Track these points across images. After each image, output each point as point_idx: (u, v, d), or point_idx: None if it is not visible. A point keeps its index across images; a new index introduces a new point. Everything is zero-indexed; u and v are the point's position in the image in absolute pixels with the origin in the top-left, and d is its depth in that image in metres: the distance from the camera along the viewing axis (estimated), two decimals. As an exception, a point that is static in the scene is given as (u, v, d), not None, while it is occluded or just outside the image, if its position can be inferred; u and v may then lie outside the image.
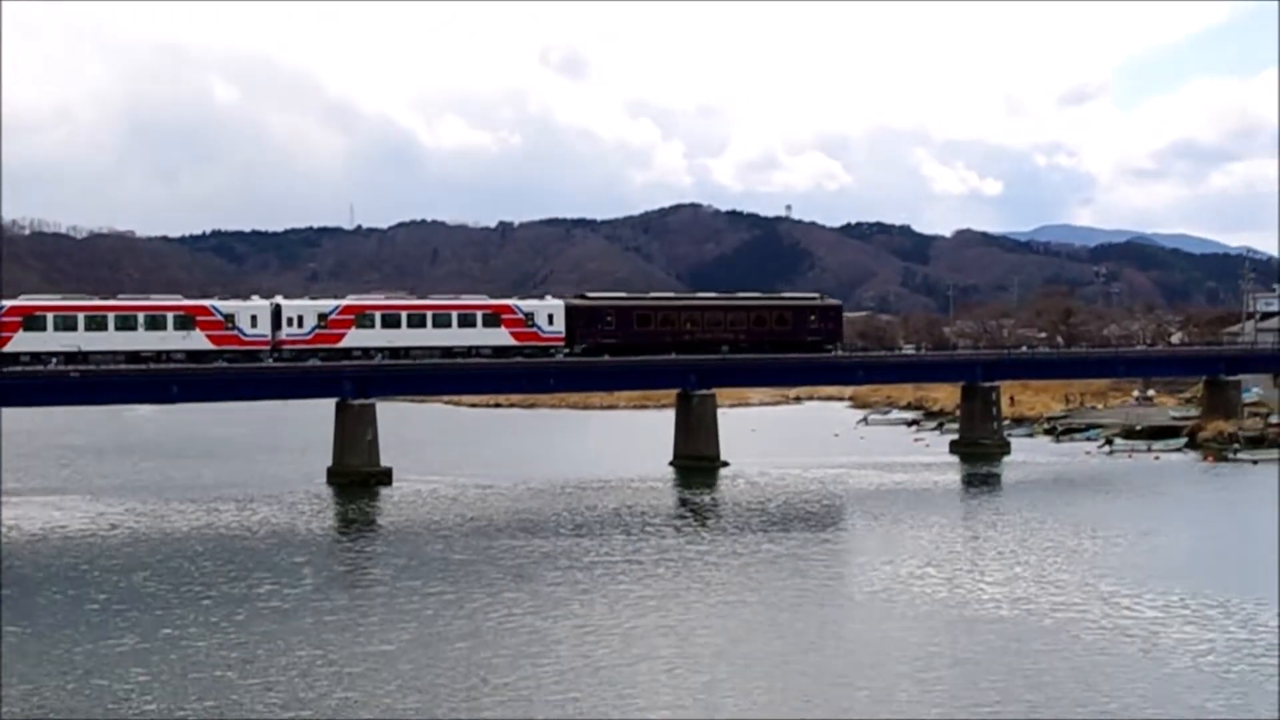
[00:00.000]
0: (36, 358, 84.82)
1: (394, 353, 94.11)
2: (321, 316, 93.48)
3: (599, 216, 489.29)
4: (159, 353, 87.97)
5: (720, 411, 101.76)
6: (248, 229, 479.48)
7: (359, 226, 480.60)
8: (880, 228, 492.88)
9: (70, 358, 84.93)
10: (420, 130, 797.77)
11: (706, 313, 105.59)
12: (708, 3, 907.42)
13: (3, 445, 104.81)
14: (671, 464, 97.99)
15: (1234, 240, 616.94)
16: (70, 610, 48.37)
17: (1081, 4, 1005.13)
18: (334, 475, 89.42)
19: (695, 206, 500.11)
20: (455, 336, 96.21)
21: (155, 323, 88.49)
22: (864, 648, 42.22)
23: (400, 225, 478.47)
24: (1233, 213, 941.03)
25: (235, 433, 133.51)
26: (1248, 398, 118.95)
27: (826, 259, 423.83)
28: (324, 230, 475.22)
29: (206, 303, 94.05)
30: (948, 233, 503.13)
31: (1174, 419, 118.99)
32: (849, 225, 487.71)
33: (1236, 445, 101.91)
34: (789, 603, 49.18)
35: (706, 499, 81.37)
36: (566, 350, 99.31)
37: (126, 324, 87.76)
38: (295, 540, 65.75)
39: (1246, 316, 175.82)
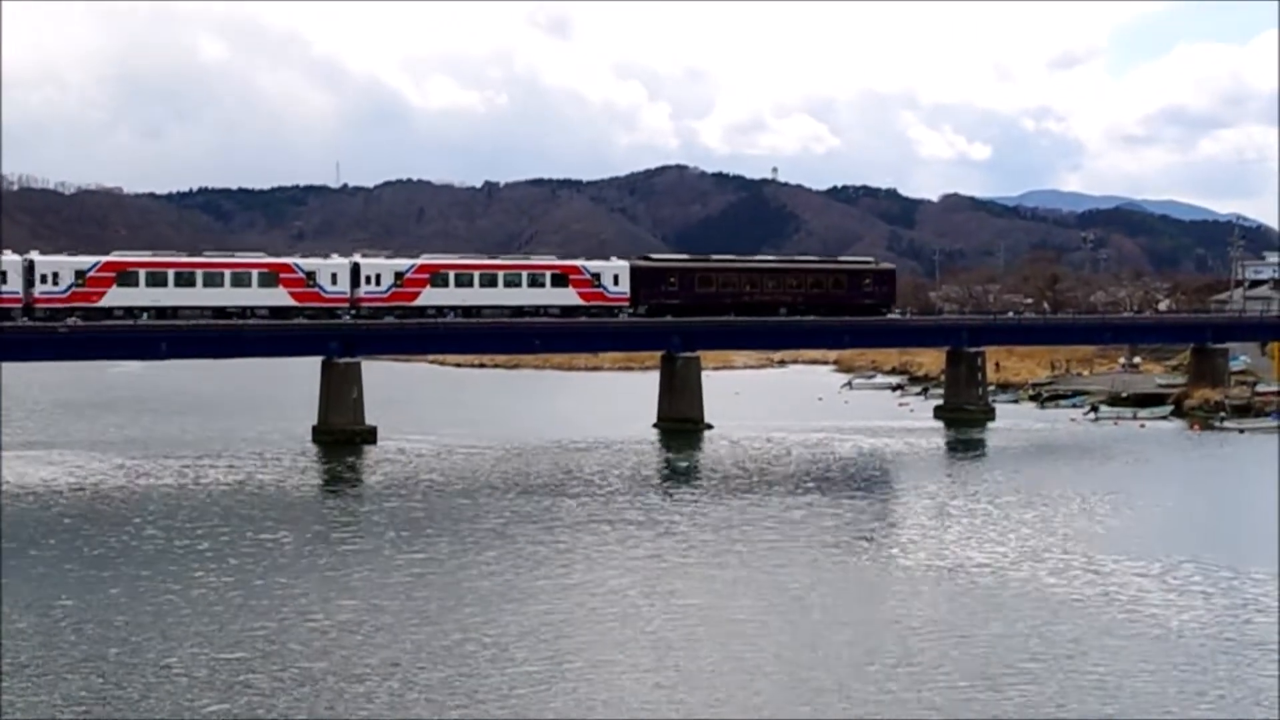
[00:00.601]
0: (129, 312, 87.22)
1: (466, 311, 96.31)
2: (398, 275, 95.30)
3: (585, 177, 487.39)
4: (244, 308, 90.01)
5: (704, 374, 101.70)
6: (234, 186, 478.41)
7: (345, 185, 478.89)
8: (867, 191, 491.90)
9: (161, 313, 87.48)
10: (407, 89, 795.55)
11: (766, 275, 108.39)
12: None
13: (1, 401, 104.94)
14: (655, 426, 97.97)
15: (1223, 207, 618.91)
16: (56, 563, 48.32)
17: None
18: (319, 433, 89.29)
19: (681, 168, 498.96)
20: (525, 296, 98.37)
21: (240, 279, 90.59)
22: (844, 608, 42.22)
23: (386, 184, 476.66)
24: (1223, 180, 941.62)
25: (222, 390, 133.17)
26: (1235, 366, 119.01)
27: (813, 222, 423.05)
28: (310, 189, 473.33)
29: (289, 260, 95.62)
30: (934, 197, 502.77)
31: (1160, 387, 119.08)
32: (835, 188, 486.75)
33: (1223, 414, 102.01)
34: (770, 564, 49.18)
35: (689, 461, 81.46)
36: (630, 310, 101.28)
37: (213, 281, 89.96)
38: (279, 498, 65.79)
39: (1235, 284, 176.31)
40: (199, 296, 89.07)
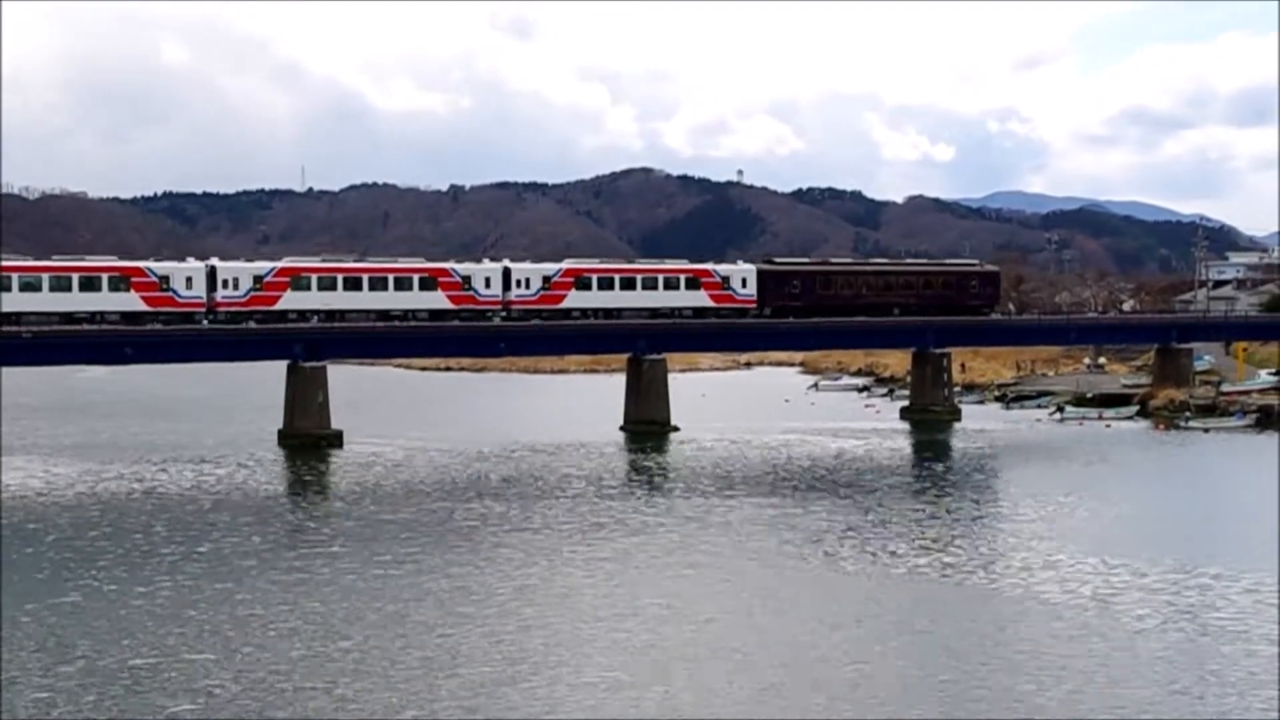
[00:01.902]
0: (301, 315, 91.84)
1: (607, 313, 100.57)
2: (545, 279, 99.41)
3: (550, 180, 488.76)
4: (405, 311, 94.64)
5: (671, 376, 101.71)
6: (199, 191, 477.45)
7: (310, 189, 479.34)
8: (832, 193, 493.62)
9: (329, 316, 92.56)
10: (370, 92, 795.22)
11: (881, 277, 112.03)
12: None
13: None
14: (622, 428, 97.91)
15: (1187, 208, 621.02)
16: (17, 568, 47.94)
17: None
18: (285, 437, 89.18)
19: (647, 171, 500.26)
20: (661, 299, 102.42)
21: (402, 284, 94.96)
22: (808, 609, 42.11)
23: (351, 188, 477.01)
24: (1186, 180, 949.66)
25: (187, 394, 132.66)
26: (1199, 366, 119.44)
27: (778, 224, 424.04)
28: (275, 192, 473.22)
29: (447, 265, 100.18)
30: (899, 198, 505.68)
31: (1125, 387, 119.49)
32: (800, 190, 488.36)
33: (1188, 413, 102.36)
34: (735, 566, 49.15)
35: (656, 463, 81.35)
36: (756, 311, 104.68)
37: (377, 285, 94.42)
38: (244, 502, 65.49)
39: (1199, 284, 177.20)
40: (365, 300, 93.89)
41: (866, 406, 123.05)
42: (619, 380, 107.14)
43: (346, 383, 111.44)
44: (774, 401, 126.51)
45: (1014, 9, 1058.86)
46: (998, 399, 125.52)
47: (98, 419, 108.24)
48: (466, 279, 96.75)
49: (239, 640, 38.33)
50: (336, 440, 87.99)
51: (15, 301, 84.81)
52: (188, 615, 41.29)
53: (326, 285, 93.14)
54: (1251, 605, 42.39)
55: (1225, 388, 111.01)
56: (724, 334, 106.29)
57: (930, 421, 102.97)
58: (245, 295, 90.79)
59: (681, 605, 42.73)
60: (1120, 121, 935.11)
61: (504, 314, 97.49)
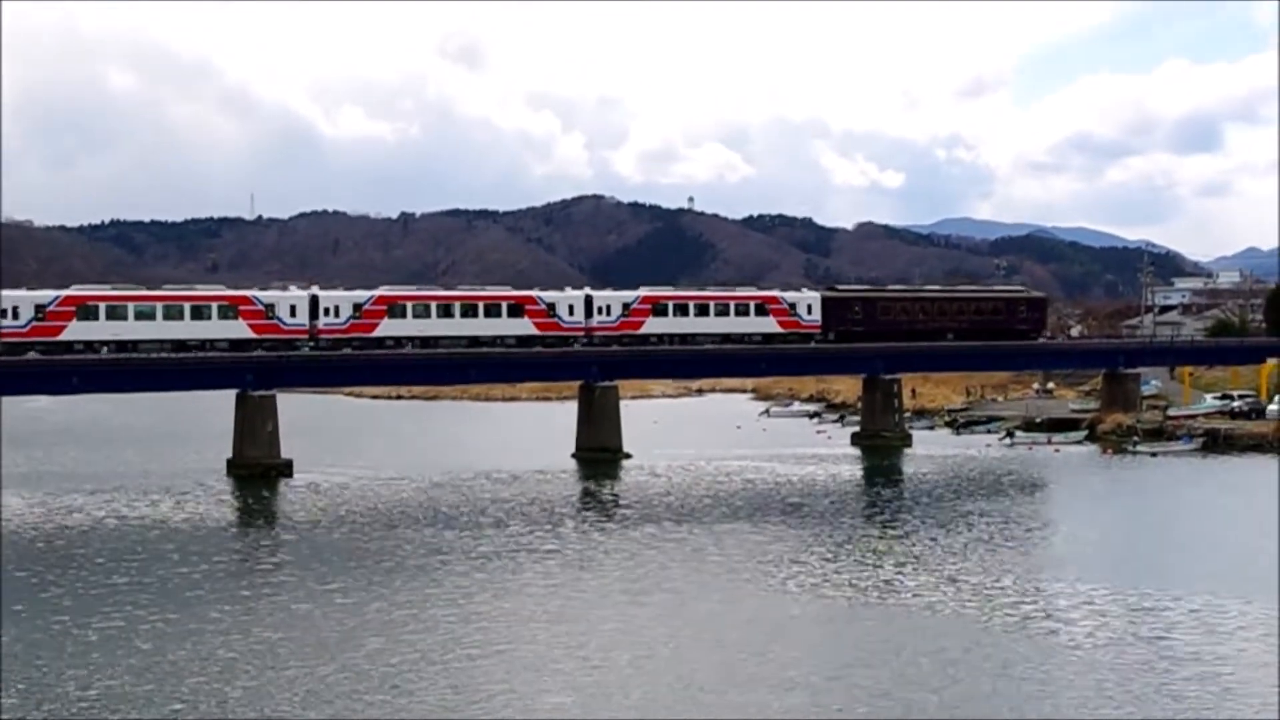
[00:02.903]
0: (398, 342, 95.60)
1: (683, 339, 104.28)
2: (625, 306, 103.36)
3: (501, 208, 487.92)
4: (495, 337, 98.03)
5: (622, 403, 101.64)
6: (147, 219, 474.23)
7: (259, 217, 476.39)
8: (782, 220, 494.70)
9: (425, 342, 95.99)
10: (319, 119, 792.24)
11: (936, 304, 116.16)
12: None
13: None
14: (574, 455, 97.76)
15: (1132, 234, 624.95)
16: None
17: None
18: (234, 467, 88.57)
19: (597, 198, 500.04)
20: (733, 324, 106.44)
21: (491, 311, 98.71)
22: (758, 636, 42.09)
23: (301, 215, 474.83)
24: (1130, 207, 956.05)
25: (137, 423, 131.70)
26: (1146, 390, 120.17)
27: (729, 251, 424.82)
28: (224, 220, 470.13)
29: (533, 293, 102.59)
30: (849, 225, 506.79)
31: (1074, 411, 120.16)
32: (751, 217, 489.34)
33: (1135, 438, 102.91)
34: (685, 594, 49.10)
35: (608, 491, 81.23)
36: (821, 336, 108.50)
37: (469, 312, 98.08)
38: (192, 532, 65.01)
39: (1145, 310, 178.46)
40: (457, 327, 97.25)
41: (818, 433, 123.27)
42: (571, 408, 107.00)
43: (296, 412, 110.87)
44: (726, 428, 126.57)
45: (956, 37, 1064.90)
46: (948, 424, 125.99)
47: (45, 449, 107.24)
48: (551, 306, 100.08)
49: (185, 670, 38.09)
50: (286, 469, 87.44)
51: (131, 330, 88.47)
52: (134, 645, 41.09)
53: (421, 313, 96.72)
54: (1197, 624, 42.75)
55: (1172, 412, 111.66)
56: (677, 360, 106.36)
57: (881, 447, 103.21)
58: (345, 323, 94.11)
59: (631, 633, 42.70)
60: (1065, 149, 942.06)
61: (586, 340, 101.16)
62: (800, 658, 39.76)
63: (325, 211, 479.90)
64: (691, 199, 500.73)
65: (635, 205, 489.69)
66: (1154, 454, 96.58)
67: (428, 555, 57.46)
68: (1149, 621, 43.65)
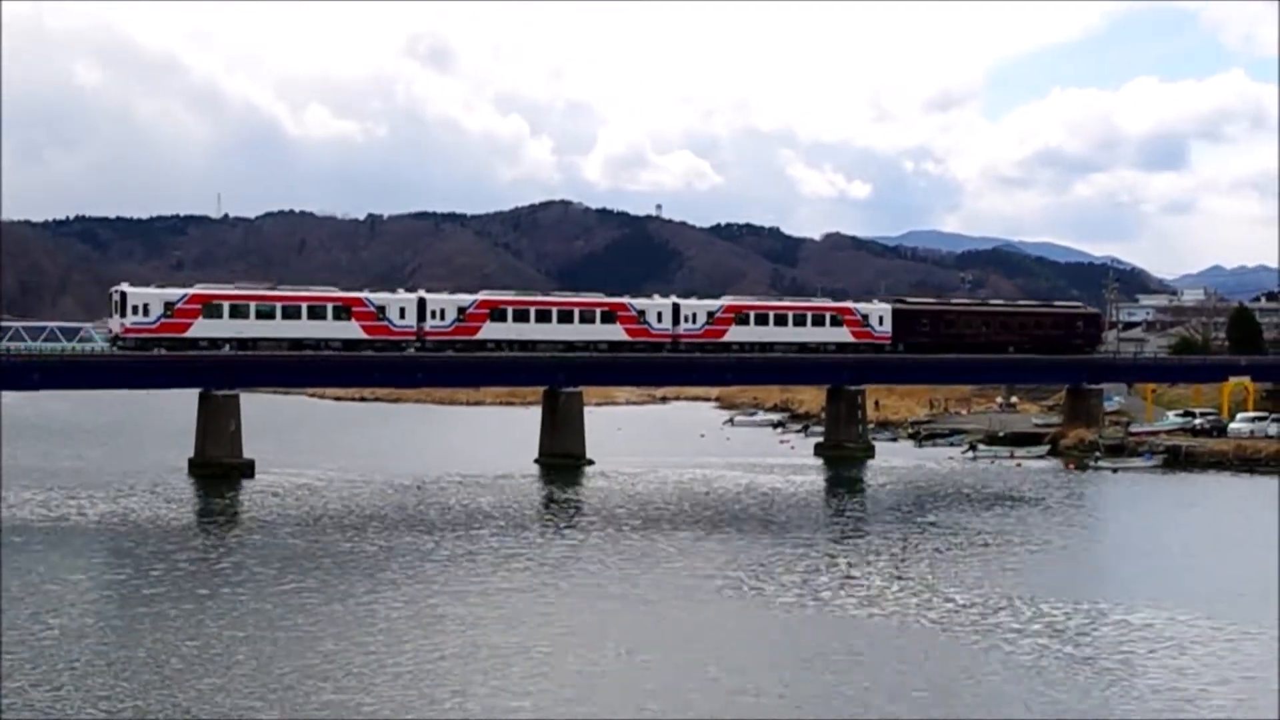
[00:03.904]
0: (498, 344, 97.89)
1: (763, 347, 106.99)
2: (710, 314, 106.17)
3: (469, 211, 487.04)
4: (588, 342, 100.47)
5: (586, 409, 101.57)
6: (113, 215, 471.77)
7: (226, 216, 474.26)
8: (750, 229, 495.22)
9: (523, 346, 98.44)
10: (286, 119, 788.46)
11: (999, 318, 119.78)
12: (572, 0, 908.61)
13: None
14: (537, 461, 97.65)
15: (1098, 250, 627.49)
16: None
17: (946, 11, 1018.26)
18: (196, 466, 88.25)
19: (565, 204, 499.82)
20: (809, 334, 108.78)
21: (586, 316, 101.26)
22: (717, 642, 42.11)
23: (268, 215, 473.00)
24: (1097, 222, 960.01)
25: (98, 420, 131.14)
26: (1109, 406, 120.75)
27: (696, 259, 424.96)
28: (191, 218, 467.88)
29: (625, 300, 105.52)
30: (817, 236, 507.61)
31: (1036, 426, 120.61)
32: (719, 226, 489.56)
33: (1097, 453, 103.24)
34: (646, 599, 49.12)
35: (570, 497, 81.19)
36: (891, 347, 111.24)
37: (565, 318, 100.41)
38: (150, 531, 64.72)
39: (1109, 326, 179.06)
40: (554, 331, 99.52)
41: (781, 442, 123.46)
42: (535, 413, 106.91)
43: (259, 412, 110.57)
44: (689, 436, 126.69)
45: (924, 49, 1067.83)
46: (911, 437, 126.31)
47: (6, 445, 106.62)
48: (642, 313, 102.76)
49: (140, 669, 37.98)
50: (248, 469, 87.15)
51: (252, 328, 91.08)
52: (90, 644, 40.96)
53: (520, 317, 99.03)
54: (1139, 637, 43.06)
55: (1134, 428, 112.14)
56: (642, 367, 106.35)
57: (844, 458, 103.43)
58: (450, 325, 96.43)
59: (590, 637, 42.70)
60: (1032, 163, 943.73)
61: (671, 346, 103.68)
62: (758, 663, 39.75)
63: (292, 211, 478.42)
64: (659, 206, 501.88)
65: (603, 211, 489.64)
66: (1115, 470, 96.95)
67: (387, 557, 57.33)
68: (1102, 633, 43.81)
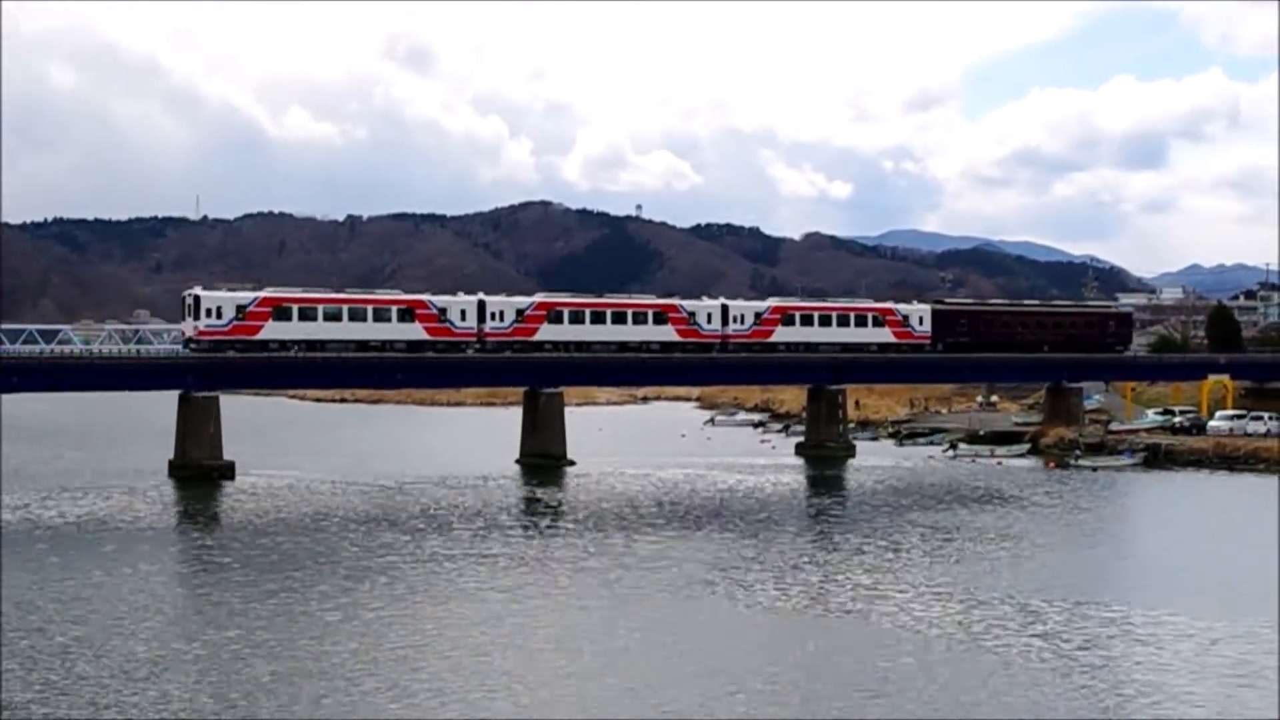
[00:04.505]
0: (555, 346, 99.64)
1: (807, 346, 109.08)
2: (758, 315, 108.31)
3: (448, 212, 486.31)
4: (641, 343, 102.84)
5: (567, 410, 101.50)
6: (91, 217, 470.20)
7: (205, 217, 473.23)
8: (730, 229, 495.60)
9: (579, 346, 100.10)
10: (265, 120, 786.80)
11: (1034, 318, 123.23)
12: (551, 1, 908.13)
13: None
14: (517, 462, 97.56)
15: (1078, 249, 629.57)
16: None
17: (925, 11, 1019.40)
18: (175, 468, 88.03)
19: (545, 204, 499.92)
20: (851, 334, 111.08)
21: (638, 318, 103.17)
22: (698, 641, 42.09)
23: (247, 216, 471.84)
24: (1076, 222, 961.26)
25: (76, 422, 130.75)
26: (1089, 404, 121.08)
27: (677, 259, 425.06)
28: (169, 220, 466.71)
29: (675, 301, 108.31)
30: (797, 235, 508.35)
31: (1016, 425, 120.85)
32: (699, 226, 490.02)
33: (1077, 451, 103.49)
34: (627, 598, 49.08)
35: (551, 497, 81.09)
36: (930, 347, 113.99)
37: (620, 319, 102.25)
38: (129, 533, 64.45)
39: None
40: (612, 333, 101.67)
41: (762, 442, 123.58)
42: (515, 414, 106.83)
43: (240, 413, 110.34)
44: (670, 436, 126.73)
45: (904, 49, 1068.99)
46: (891, 436, 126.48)
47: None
48: (692, 315, 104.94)
49: (118, 670, 37.87)
50: (228, 471, 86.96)
51: (320, 330, 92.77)
52: (70, 646, 40.67)
53: (576, 319, 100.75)
54: (1122, 634, 43.09)
55: (1114, 426, 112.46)
56: (624, 368, 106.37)
57: (825, 458, 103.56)
58: (509, 327, 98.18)
59: (571, 637, 42.65)
60: (1011, 163, 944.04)
61: (721, 347, 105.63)
62: (739, 663, 39.68)
63: (271, 213, 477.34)
64: (639, 207, 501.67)
65: (583, 212, 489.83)
66: (1095, 468, 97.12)
67: (368, 558, 57.22)
68: (1085, 629, 43.87)
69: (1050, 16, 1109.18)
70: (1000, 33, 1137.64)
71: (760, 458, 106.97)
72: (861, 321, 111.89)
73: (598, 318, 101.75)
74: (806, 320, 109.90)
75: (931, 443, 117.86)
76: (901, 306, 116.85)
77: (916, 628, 44.60)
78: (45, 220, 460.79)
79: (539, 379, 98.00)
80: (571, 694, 36.52)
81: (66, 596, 48.56)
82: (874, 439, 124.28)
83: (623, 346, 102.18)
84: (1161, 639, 43.17)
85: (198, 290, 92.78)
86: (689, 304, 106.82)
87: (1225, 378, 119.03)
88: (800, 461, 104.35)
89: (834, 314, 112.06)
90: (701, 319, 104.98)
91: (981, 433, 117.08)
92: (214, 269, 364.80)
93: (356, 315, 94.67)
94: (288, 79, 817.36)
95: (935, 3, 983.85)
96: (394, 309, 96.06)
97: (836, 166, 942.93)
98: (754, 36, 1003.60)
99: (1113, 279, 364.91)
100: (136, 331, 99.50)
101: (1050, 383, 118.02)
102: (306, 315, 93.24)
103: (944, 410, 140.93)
